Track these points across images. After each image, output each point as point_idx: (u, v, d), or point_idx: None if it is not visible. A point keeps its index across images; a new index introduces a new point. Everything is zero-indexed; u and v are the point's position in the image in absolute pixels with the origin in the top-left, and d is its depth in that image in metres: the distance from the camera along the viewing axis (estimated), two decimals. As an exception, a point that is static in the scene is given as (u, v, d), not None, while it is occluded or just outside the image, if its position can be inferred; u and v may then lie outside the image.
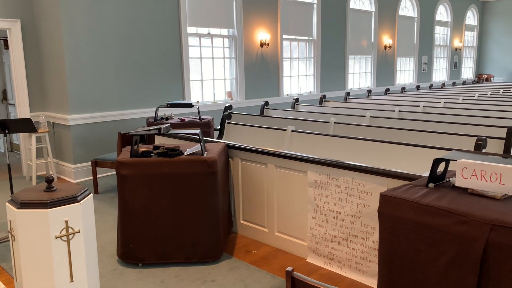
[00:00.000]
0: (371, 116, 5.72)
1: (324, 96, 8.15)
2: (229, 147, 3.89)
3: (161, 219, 3.34)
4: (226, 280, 3.14)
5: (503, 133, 4.09)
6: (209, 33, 7.69)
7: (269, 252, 3.58)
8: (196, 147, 3.48)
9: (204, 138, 3.94)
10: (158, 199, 3.32)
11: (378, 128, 4.80)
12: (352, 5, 10.82)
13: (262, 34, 8.49)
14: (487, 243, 1.84)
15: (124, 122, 6.42)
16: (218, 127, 5.68)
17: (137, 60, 6.49)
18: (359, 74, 11.63)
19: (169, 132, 3.50)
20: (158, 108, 5.70)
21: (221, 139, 5.45)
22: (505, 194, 2.07)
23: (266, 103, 7.00)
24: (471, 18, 16.44)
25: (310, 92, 10.01)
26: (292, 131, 4.78)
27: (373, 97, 9.12)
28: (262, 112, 6.95)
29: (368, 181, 2.98)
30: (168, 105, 5.60)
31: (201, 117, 5.70)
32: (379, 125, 5.02)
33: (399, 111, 6.29)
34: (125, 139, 5.24)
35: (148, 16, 6.55)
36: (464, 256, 1.90)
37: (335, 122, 5.18)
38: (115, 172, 3.79)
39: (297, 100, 7.62)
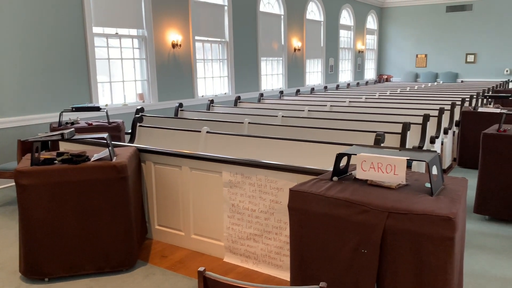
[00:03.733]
0: (283, 116, 5.91)
1: (239, 97, 8.26)
2: (140, 150, 3.78)
3: (69, 230, 3.15)
4: (141, 287, 3.05)
5: (399, 128, 4.46)
6: (117, 33, 7.40)
7: (186, 256, 3.54)
8: (104, 152, 3.33)
9: (113, 142, 3.78)
10: (64, 209, 3.12)
11: (289, 127, 4.97)
12: (262, 8, 11.10)
13: (173, 35, 8.37)
14: (384, 229, 2.00)
15: (25, 128, 5.93)
16: (130, 131, 5.48)
17: (38, 62, 6.04)
18: (272, 76, 11.96)
19: (74, 137, 3.30)
20: (62, 112, 5.35)
21: (132, 143, 5.27)
22: (399, 184, 2.27)
23: (180, 105, 6.91)
24: (371, 22, 17.73)
25: (225, 93, 10.08)
26: (207, 132, 4.77)
27: (285, 97, 9.43)
28: (176, 114, 6.85)
29: (280, 178, 3.08)
30: (74, 109, 5.28)
31: (110, 121, 5.46)
32: (290, 124, 5.21)
33: (309, 110, 6.57)
34: (26, 147, 4.84)
35: (48, 15, 6.12)
36: (366, 243, 2.05)
37: (249, 123, 5.27)
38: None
39: (212, 101, 7.62)
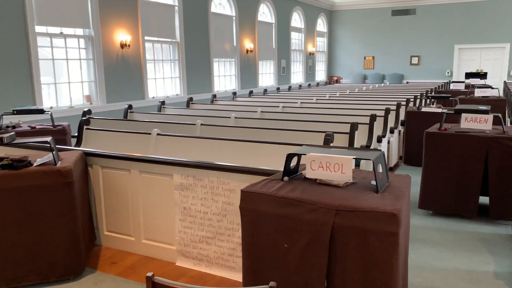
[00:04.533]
0: (236, 117, 5.91)
1: (191, 99, 8.16)
2: (87, 154, 3.64)
3: (10, 239, 2.98)
4: (89, 296, 2.94)
5: (348, 128, 4.58)
6: (61, 33, 7.10)
7: (137, 261, 3.45)
8: (48, 157, 3.19)
9: (58, 146, 3.62)
10: (4, 217, 2.95)
11: (242, 128, 4.98)
12: (213, 9, 11.05)
13: (122, 35, 8.15)
14: (333, 226, 2.04)
15: (-40, 132, 5.56)
16: (76, 134, 5.27)
17: (-27, 62, 5.68)
18: (225, 77, 11.94)
19: (15, 142, 3.13)
20: (2, 115, 5.06)
21: (79, 146, 5.07)
22: (347, 182, 2.33)
23: (130, 107, 6.73)
24: (321, 25, 18.13)
25: (177, 94, 9.95)
26: (158, 134, 4.68)
27: (238, 99, 9.44)
28: (125, 116, 6.67)
29: (232, 179, 3.07)
30: (15, 112, 5.01)
31: (55, 124, 5.23)
32: (243, 126, 5.22)
33: (261, 111, 6.62)
34: (-39, 152, 4.53)
35: (-15, 11, 5.78)
36: (316, 241, 2.09)
37: (201, 124, 5.22)
38: None
39: (163, 102, 7.49)
